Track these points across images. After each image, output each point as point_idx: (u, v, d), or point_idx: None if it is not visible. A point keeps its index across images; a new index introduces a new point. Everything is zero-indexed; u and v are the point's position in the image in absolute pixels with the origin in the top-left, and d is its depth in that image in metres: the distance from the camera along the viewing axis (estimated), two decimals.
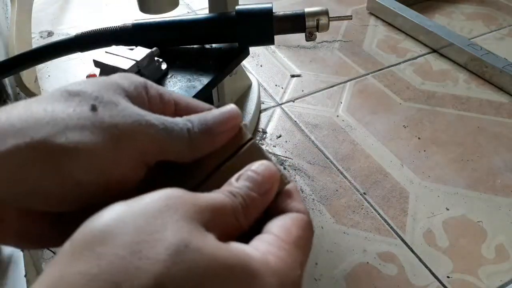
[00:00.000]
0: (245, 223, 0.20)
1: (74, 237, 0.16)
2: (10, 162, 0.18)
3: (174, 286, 0.15)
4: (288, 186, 0.23)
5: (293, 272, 0.19)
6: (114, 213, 0.17)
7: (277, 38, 0.44)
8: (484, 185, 0.53)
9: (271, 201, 0.21)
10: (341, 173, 0.54)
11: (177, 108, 0.23)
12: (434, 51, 0.76)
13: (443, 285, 0.43)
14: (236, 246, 0.18)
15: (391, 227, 0.48)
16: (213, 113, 0.23)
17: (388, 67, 0.73)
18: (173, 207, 0.17)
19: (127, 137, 0.20)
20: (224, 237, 0.18)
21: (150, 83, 0.23)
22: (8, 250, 0.43)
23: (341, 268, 0.44)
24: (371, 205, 0.51)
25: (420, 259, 0.45)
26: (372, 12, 0.87)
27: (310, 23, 0.44)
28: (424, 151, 0.58)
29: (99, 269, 0.15)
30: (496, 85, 0.68)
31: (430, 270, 0.44)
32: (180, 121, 0.22)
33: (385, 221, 0.49)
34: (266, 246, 0.19)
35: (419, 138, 0.59)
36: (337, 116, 0.63)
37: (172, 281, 0.15)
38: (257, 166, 0.21)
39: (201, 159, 0.23)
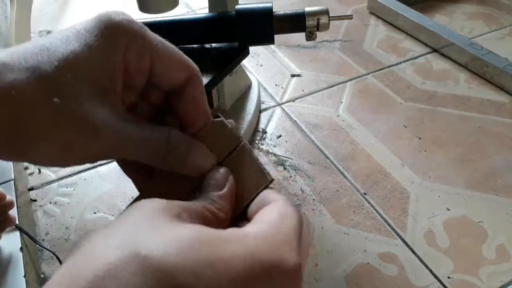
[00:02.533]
0: (222, 216, 0.21)
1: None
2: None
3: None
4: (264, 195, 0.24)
5: (276, 248, 0.18)
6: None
7: (277, 37, 0.44)
8: (485, 185, 0.53)
9: (233, 190, 0.23)
10: (342, 173, 0.54)
11: (153, 67, 0.23)
12: (434, 50, 0.76)
13: (443, 285, 0.43)
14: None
15: (392, 228, 0.48)
16: (195, 157, 0.23)
17: (389, 66, 0.73)
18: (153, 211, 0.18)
19: (75, 143, 0.21)
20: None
21: (140, 36, 0.22)
22: (7, 250, 0.43)
23: (342, 269, 0.44)
24: (372, 206, 0.50)
25: (420, 260, 0.45)
26: (372, 11, 0.87)
27: (310, 22, 0.43)
28: (425, 151, 0.57)
29: None
30: (497, 85, 0.68)
31: (430, 271, 0.44)
32: (161, 130, 0.22)
33: (386, 221, 0.49)
34: (245, 227, 0.19)
35: (419, 138, 0.59)
36: (338, 116, 0.63)
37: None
38: (210, 174, 0.23)
39: None
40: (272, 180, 0.24)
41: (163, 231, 0.17)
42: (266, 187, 0.24)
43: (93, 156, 0.21)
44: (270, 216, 0.20)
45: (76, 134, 0.20)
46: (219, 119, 0.25)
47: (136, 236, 0.17)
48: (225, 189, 0.22)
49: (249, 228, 0.19)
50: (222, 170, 0.23)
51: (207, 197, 0.22)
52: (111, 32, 0.22)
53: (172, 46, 0.24)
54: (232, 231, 0.18)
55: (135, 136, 0.21)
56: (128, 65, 0.22)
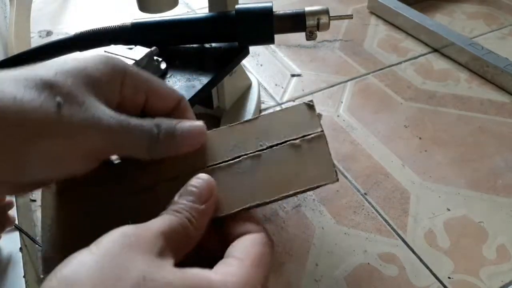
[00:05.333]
0: (196, 233, 0.22)
1: (47, 285, 0.18)
2: None
3: None
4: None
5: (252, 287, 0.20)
6: (79, 261, 0.19)
7: (277, 37, 0.44)
8: (486, 185, 0.53)
9: (214, 207, 0.23)
10: (342, 173, 0.54)
11: (148, 99, 0.26)
12: (435, 50, 0.76)
13: (444, 285, 0.43)
14: (193, 271, 0.20)
15: (392, 228, 0.48)
16: (183, 124, 0.25)
17: (389, 66, 0.73)
18: (128, 245, 0.19)
19: (81, 137, 0.22)
20: (182, 251, 0.21)
21: (130, 71, 0.25)
22: (7, 250, 0.43)
23: (342, 269, 0.44)
24: (372, 206, 0.50)
25: (421, 260, 0.45)
26: (372, 11, 0.87)
27: (310, 22, 0.43)
28: (425, 151, 0.57)
29: None
30: (497, 84, 0.68)
31: (431, 271, 0.44)
32: (146, 124, 0.24)
33: (386, 221, 0.49)
34: (226, 268, 0.21)
35: (420, 138, 0.59)
36: (338, 116, 0.63)
37: None
38: (195, 181, 0.23)
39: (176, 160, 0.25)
40: (337, 180, 0.25)
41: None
42: (328, 184, 0.25)
43: (96, 152, 0.23)
44: (246, 256, 0.22)
45: (82, 128, 0.22)
46: (311, 102, 0.27)
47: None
48: (207, 204, 0.23)
49: (229, 271, 0.20)
50: (206, 177, 0.24)
51: (185, 209, 0.22)
52: (112, 66, 0.24)
53: (160, 80, 0.27)
54: (216, 279, 0.20)
55: (131, 125, 0.23)
56: (124, 98, 0.24)
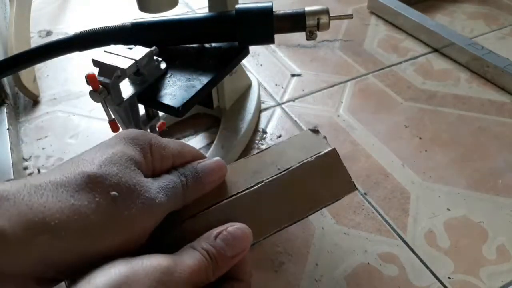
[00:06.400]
0: (213, 278, 0.23)
1: None
2: (40, 255, 0.20)
3: None
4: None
5: None
6: (118, 274, 0.20)
7: (277, 37, 0.44)
8: (486, 185, 0.53)
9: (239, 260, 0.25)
10: None
11: (174, 160, 0.27)
12: (435, 50, 0.76)
13: (444, 285, 0.43)
14: None
15: (392, 228, 0.48)
16: (203, 164, 0.27)
17: (389, 66, 0.73)
18: (163, 283, 0.20)
19: (142, 225, 0.23)
20: None
21: (155, 142, 0.26)
22: None
23: (342, 269, 0.44)
24: (372, 206, 0.50)
25: (421, 260, 0.45)
26: (373, 11, 0.87)
27: (310, 22, 0.43)
28: (426, 151, 0.57)
29: None
30: (497, 84, 0.68)
31: (431, 271, 0.44)
32: (175, 179, 0.25)
33: (386, 221, 0.49)
34: None
35: (420, 138, 0.59)
36: (338, 116, 0.63)
37: None
38: (235, 229, 0.24)
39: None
40: (357, 189, 0.27)
41: None
42: (349, 192, 0.28)
43: (150, 229, 0.24)
44: None
45: (139, 215, 0.23)
46: (315, 128, 0.30)
47: None
48: (237, 257, 0.24)
49: None
50: (248, 230, 0.25)
51: (216, 255, 0.23)
52: (138, 143, 0.26)
53: (181, 143, 0.28)
54: None
55: (170, 187, 0.25)
56: (155, 168, 0.26)
